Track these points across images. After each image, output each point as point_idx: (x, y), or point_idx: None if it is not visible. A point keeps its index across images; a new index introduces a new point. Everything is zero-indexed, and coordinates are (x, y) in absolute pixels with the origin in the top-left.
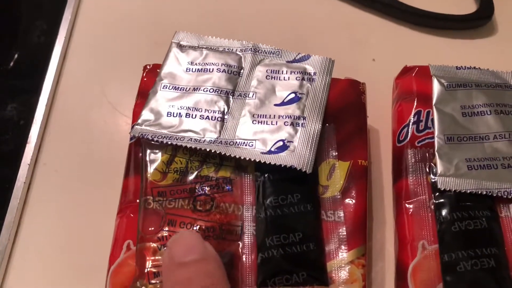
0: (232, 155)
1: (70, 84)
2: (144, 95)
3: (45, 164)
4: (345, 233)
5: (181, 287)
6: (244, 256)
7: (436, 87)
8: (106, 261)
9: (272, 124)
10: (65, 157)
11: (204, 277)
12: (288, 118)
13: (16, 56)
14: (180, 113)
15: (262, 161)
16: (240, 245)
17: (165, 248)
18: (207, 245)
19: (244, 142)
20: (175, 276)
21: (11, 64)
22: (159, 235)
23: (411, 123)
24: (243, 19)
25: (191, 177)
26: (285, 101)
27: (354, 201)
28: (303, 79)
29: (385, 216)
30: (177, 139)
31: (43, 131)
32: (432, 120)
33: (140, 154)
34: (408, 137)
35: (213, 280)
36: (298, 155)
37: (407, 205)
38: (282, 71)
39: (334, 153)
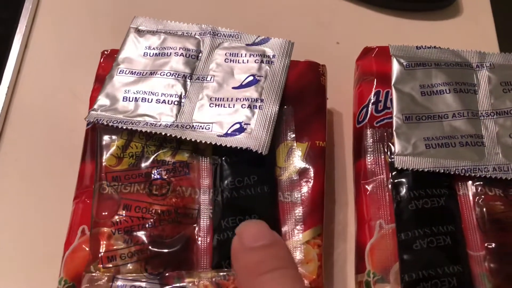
0: (188, 139)
1: (32, 72)
2: (101, 81)
3: (6, 154)
4: (301, 213)
5: (251, 270)
6: (199, 239)
7: (395, 67)
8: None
9: (229, 107)
10: (25, 147)
11: (274, 260)
12: (246, 100)
13: None
14: (136, 98)
15: (219, 144)
16: (196, 228)
17: (119, 233)
18: (274, 233)
19: (200, 126)
20: (245, 260)
21: None
22: (113, 219)
23: (370, 104)
24: (203, 3)
25: (147, 161)
26: (243, 84)
27: (311, 182)
28: (262, 61)
29: (347, 198)
30: (132, 124)
31: (3, 121)
32: (391, 100)
33: (96, 140)
34: (367, 118)
35: (283, 263)
36: (255, 137)
37: (365, 185)
38: (241, 54)
39: (292, 135)
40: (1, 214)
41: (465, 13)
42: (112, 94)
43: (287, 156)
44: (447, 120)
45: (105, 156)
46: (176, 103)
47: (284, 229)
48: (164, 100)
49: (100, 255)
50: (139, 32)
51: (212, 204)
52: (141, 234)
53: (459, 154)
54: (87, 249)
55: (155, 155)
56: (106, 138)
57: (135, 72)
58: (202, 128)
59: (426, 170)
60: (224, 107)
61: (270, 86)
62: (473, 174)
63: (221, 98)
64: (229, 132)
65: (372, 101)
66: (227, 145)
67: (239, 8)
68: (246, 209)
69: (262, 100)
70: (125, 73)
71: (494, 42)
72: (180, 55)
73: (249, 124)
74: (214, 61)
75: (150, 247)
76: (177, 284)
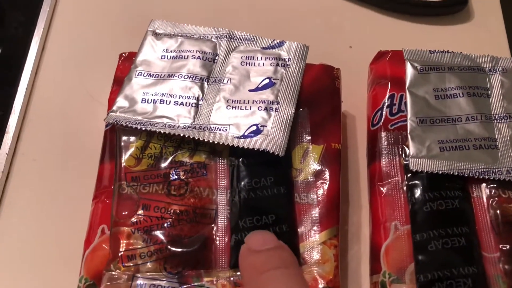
0: (206, 140)
1: (49, 74)
2: (119, 83)
3: (24, 154)
4: (317, 214)
5: (256, 269)
6: (217, 239)
7: (409, 71)
8: (82, 246)
9: (246, 109)
10: (43, 147)
11: (277, 259)
12: (262, 103)
13: None
14: (154, 100)
15: (236, 145)
16: (214, 228)
17: (139, 232)
18: (279, 240)
19: (218, 127)
20: (251, 261)
21: None
22: (133, 219)
23: (384, 107)
24: (219, 7)
25: (166, 162)
26: (259, 86)
27: (327, 183)
28: (277, 64)
29: (361, 200)
30: (151, 125)
31: (21, 121)
32: (405, 103)
33: (115, 141)
34: (382, 121)
35: (285, 262)
36: (271, 139)
37: (380, 187)
38: (257, 57)
39: (307, 137)
40: (20, 213)
41: (476, 18)
42: (131, 96)
43: (303, 158)
44: (460, 123)
45: (125, 157)
46: (193, 105)
47: (301, 229)
48: (182, 102)
49: (120, 254)
50: (157, 35)
51: (229, 204)
52: (160, 234)
53: (472, 157)
54: (107, 248)
55: (173, 156)
56: (125, 139)
57: (153, 74)
58: (219, 130)
59: (440, 172)
60: (241, 109)
61: (286, 89)
62: (486, 177)
63: (237, 101)
64: (246, 134)
65: (386, 104)
66: (244, 147)
67: (254, 12)
68: (263, 209)
69: (278, 103)
70: (143, 75)
71: (505, 46)
72: (197, 58)
73: (266, 126)
74: (230, 64)
75: (169, 246)
76: (196, 283)
